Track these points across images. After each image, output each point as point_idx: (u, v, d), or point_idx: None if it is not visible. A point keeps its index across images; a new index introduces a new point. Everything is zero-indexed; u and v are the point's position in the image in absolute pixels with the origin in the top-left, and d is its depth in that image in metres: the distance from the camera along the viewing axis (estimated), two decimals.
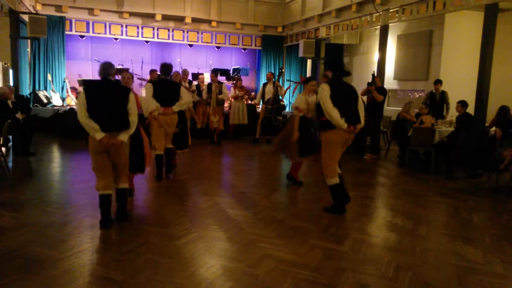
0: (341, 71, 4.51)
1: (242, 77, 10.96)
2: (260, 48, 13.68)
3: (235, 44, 13.55)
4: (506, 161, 5.80)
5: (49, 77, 11.12)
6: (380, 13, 8.98)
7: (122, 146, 3.74)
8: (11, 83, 9.82)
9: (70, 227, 3.88)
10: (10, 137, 7.05)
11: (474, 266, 3.34)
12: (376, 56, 9.97)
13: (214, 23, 12.78)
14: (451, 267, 3.29)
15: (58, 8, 11.27)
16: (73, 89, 11.34)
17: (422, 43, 10.14)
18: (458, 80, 9.25)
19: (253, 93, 12.28)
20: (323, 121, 4.45)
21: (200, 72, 10.82)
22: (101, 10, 11.60)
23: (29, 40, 10.77)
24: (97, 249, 3.43)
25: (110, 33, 12.02)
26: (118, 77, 4.48)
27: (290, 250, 3.50)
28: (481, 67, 6.66)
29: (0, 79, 10.21)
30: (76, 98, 11.02)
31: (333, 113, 4.29)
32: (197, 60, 13.33)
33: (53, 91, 10.96)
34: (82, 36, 11.98)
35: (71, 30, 11.60)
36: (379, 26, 9.25)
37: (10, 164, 6.59)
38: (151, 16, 12.04)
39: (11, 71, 10.11)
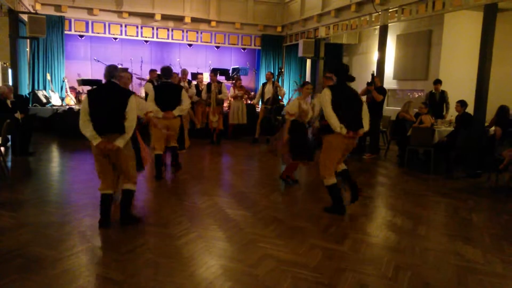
0: (345, 76, 4.52)
1: (242, 77, 10.95)
2: (259, 48, 13.68)
3: (234, 44, 13.55)
4: (505, 161, 5.80)
5: (48, 77, 11.11)
6: (380, 13, 8.99)
7: (121, 150, 3.72)
8: (10, 83, 9.81)
9: (69, 227, 3.87)
10: (9, 136, 7.04)
11: (474, 266, 3.34)
12: (375, 56, 9.98)
13: (213, 23, 12.78)
14: (450, 267, 3.29)
15: (58, 7, 11.26)
16: (72, 88, 11.33)
17: (421, 43, 10.14)
18: (458, 80, 9.25)
19: (252, 92, 12.28)
20: (324, 125, 4.51)
21: (199, 72, 10.81)
22: (100, 9, 11.59)
23: (28, 40, 10.76)
24: (97, 249, 3.42)
25: (109, 32, 12.02)
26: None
27: (290, 250, 3.49)
28: (480, 67, 6.67)
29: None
30: (75, 97, 11.03)
31: (332, 118, 4.31)
32: (197, 59, 13.32)
33: (52, 90, 10.94)
34: (81, 36, 11.96)
35: (70, 29, 11.58)
36: (378, 26, 9.25)
37: (9, 164, 6.58)
38: (151, 16, 12.03)
39: (10, 71, 10.10)
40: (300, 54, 11.83)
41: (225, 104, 10.06)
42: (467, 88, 8.09)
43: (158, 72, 7.87)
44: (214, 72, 9.35)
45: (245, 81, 13.01)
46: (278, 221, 4.22)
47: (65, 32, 11.41)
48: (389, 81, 10.60)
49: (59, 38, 11.27)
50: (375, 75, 8.29)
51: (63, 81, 11.22)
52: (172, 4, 11.94)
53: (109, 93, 3.78)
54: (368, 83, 8.03)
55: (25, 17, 10.00)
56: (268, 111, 9.27)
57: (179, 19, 12.30)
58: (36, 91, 10.37)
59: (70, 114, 9.47)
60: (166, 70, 5.84)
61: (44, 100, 10.29)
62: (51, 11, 11.17)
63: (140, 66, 11.99)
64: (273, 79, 9.56)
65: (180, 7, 12.04)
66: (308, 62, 13.11)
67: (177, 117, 5.77)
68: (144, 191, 5.35)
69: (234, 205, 4.75)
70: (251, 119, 10.00)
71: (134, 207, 4.53)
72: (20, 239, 3.53)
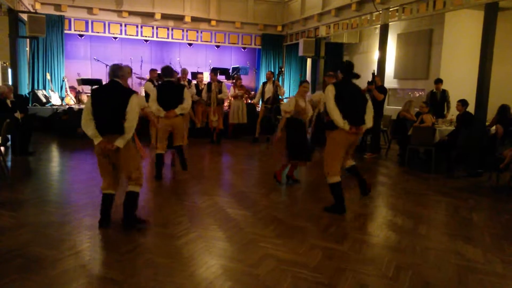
0: (350, 72, 4.58)
1: (242, 76, 10.94)
2: (259, 47, 13.66)
3: (234, 43, 13.54)
4: (506, 160, 5.79)
5: (48, 77, 11.10)
6: (380, 12, 8.97)
7: (121, 150, 3.71)
8: (10, 83, 9.80)
9: (69, 226, 3.87)
10: (9, 136, 7.04)
11: (474, 265, 3.33)
12: (376, 55, 9.96)
13: (213, 22, 12.76)
14: (451, 266, 3.28)
15: (57, 7, 11.25)
16: (72, 88, 11.32)
17: (422, 42, 10.13)
18: (458, 79, 9.24)
19: (252, 92, 12.27)
20: (328, 121, 4.58)
21: (199, 71, 10.80)
22: (100, 9, 11.58)
23: (28, 39, 10.75)
24: (97, 249, 3.42)
25: (109, 32, 12.01)
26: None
27: (290, 249, 3.49)
28: (481, 66, 6.65)
29: None
30: (75, 97, 11.03)
31: (335, 114, 4.37)
32: (197, 59, 13.31)
33: (52, 90, 10.94)
34: (81, 35, 11.96)
35: (70, 29, 11.58)
36: (379, 25, 9.24)
37: (9, 164, 6.58)
38: (151, 15, 12.01)
39: (10, 71, 10.10)
40: (300, 53, 11.81)
41: (225, 104, 10.05)
42: (468, 87, 8.08)
43: (159, 72, 7.86)
44: (214, 71, 9.34)
45: (246, 80, 12.99)
46: (278, 221, 4.21)
47: (65, 31, 11.41)
48: (389, 80, 10.59)
49: (59, 38, 11.27)
50: (375, 74, 8.28)
51: (63, 81, 11.22)
52: (172, 3, 11.93)
53: (110, 92, 3.77)
54: (368, 82, 8.01)
55: (24, 17, 9.99)
56: (268, 110, 9.26)
57: (179, 18, 12.28)
58: (36, 91, 10.36)
59: (70, 114, 9.46)
60: (167, 69, 5.84)
61: (44, 100, 10.28)
62: (50, 11, 11.16)
63: (140, 66, 11.97)
64: (273, 79, 9.55)
65: (180, 6, 12.02)
66: (309, 61, 13.11)
67: (179, 115, 5.77)
68: (144, 191, 5.33)
69: (234, 204, 4.74)
70: (251, 119, 9.99)
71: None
72: (20, 239, 3.52)
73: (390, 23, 9.06)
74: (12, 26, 9.54)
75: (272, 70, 12.01)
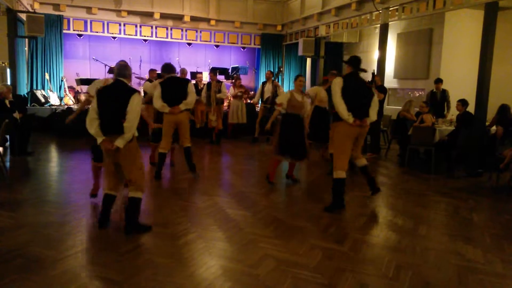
0: (359, 66, 4.67)
1: (241, 76, 10.93)
2: (259, 46, 13.65)
3: (234, 43, 13.52)
4: (506, 160, 5.78)
5: (47, 76, 11.07)
6: (380, 11, 8.96)
7: (120, 150, 3.69)
8: (9, 82, 9.78)
9: (69, 226, 3.86)
10: (8, 136, 7.02)
11: (475, 265, 3.32)
12: (376, 54, 9.96)
13: (213, 22, 12.74)
14: (451, 267, 3.28)
15: (56, 6, 11.22)
16: (71, 88, 11.30)
17: (422, 42, 10.13)
18: (458, 78, 9.24)
19: (252, 92, 12.26)
20: (333, 113, 4.66)
21: (198, 71, 10.78)
22: (99, 8, 11.56)
23: (26, 39, 10.73)
24: (97, 249, 3.41)
25: (108, 31, 11.99)
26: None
27: (290, 250, 3.48)
28: (481, 66, 6.64)
29: None
30: (74, 97, 11.01)
31: (339, 106, 4.46)
32: (196, 59, 13.28)
33: (50, 90, 10.92)
34: (80, 35, 11.94)
35: (69, 29, 11.56)
36: (379, 25, 9.23)
37: (8, 164, 6.56)
38: (150, 15, 11.99)
39: (8, 70, 10.08)
40: (300, 53, 11.80)
41: (225, 104, 10.03)
42: (468, 87, 8.08)
43: (158, 72, 7.85)
44: (214, 71, 9.31)
45: (245, 80, 12.99)
46: (278, 221, 4.20)
47: (64, 31, 11.38)
48: (389, 80, 10.59)
49: (58, 37, 11.24)
50: (375, 74, 8.27)
51: (62, 81, 11.20)
52: (171, 3, 11.91)
53: (113, 92, 3.74)
54: (368, 82, 7.97)
55: (23, 16, 9.97)
56: (267, 110, 9.23)
57: (178, 18, 12.27)
58: (35, 91, 10.34)
59: (68, 114, 9.41)
60: (169, 66, 5.80)
61: (43, 100, 10.26)
62: (49, 10, 11.14)
63: (139, 65, 11.95)
64: (272, 78, 9.54)
65: (179, 5, 12.01)
66: (308, 61, 13.08)
67: (184, 111, 5.74)
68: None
69: (234, 205, 4.74)
70: (251, 118, 9.98)
71: None
72: (20, 239, 3.51)
73: (390, 23, 9.05)
74: (11, 26, 9.52)
75: (272, 70, 12.01)
